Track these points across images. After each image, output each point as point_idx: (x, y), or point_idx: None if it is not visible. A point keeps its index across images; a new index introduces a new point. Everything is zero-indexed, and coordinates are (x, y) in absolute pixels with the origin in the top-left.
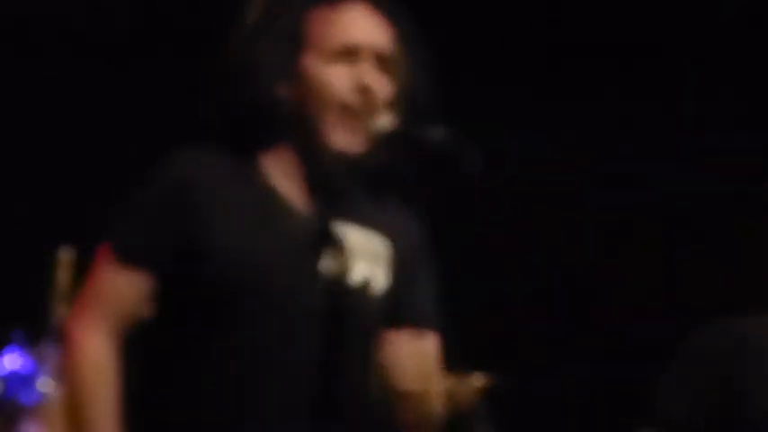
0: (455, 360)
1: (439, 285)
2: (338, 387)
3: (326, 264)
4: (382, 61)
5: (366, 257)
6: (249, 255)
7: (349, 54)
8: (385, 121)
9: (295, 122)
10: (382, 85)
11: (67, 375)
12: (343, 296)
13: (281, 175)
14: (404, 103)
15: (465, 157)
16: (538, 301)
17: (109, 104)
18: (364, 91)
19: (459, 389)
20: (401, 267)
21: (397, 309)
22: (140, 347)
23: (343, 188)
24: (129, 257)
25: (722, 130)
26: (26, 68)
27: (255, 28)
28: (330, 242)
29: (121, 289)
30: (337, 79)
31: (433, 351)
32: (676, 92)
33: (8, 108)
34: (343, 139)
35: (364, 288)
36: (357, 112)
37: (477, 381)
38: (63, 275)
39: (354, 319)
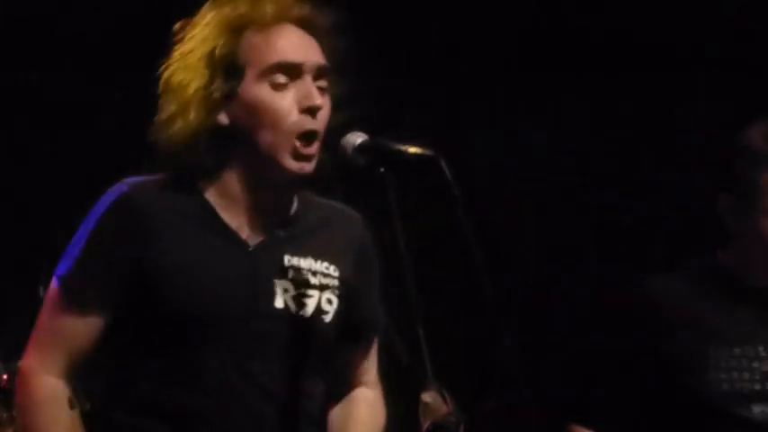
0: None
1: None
2: (289, 410)
3: (280, 298)
4: (320, 74)
5: (316, 287)
6: (200, 291)
7: (288, 72)
8: (356, 136)
9: (240, 149)
10: (325, 102)
11: (19, 413)
12: (296, 328)
13: (227, 206)
14: (340, 112)
15: (436, 166)
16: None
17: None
18: (311, 110)
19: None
20: (349, 287)
21: (346, 325)
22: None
23: (295, 217)
24: (77, 300)
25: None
26: None
27: (188, 53)
28: (283, 276)
29: (70, 330)
30: (283, 105)
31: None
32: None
33: None
34: (296, 165)
35: (316, 317)
36: (308, 134)
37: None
38: None
39: (309, 347)
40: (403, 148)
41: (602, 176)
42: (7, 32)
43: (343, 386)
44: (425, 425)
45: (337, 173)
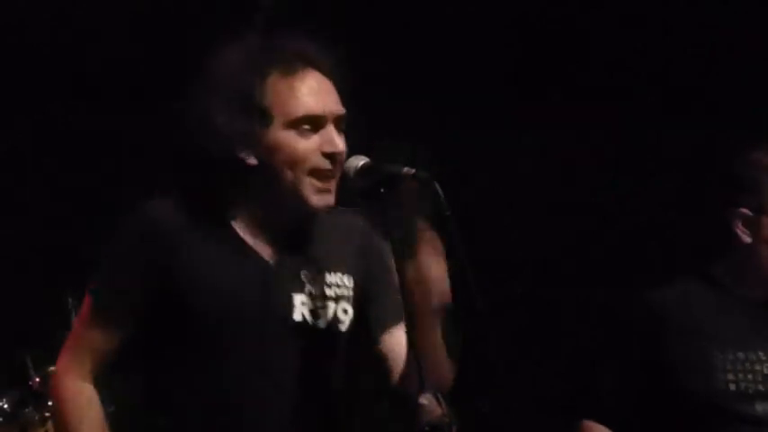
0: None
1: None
2: (309, 414)
3: (298, 311)
4: (339, 121)
5: (331, 298)
6: (221, 307)
7: (313, 123)
8: (357, 159)
9: (264, 184)
10: (343, 144)
11: (53, 413)
12: (313, 338)
13: (248, 227)
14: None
15: (437, 191)
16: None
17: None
18: (332, 155)
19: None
20: (365, 292)
21: (368, 328)
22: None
23: (309, 234)
24: (103, 314)
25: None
26: None
27: (215, 92)
28: (300, 290)
29: (97, 339)
30: (307, 148)
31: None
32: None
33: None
34: (319, 199)
35: (332, 328)
36: (328, 173)
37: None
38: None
39: (325, 357)
40: (401, 169)
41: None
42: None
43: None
44: (422, 426)
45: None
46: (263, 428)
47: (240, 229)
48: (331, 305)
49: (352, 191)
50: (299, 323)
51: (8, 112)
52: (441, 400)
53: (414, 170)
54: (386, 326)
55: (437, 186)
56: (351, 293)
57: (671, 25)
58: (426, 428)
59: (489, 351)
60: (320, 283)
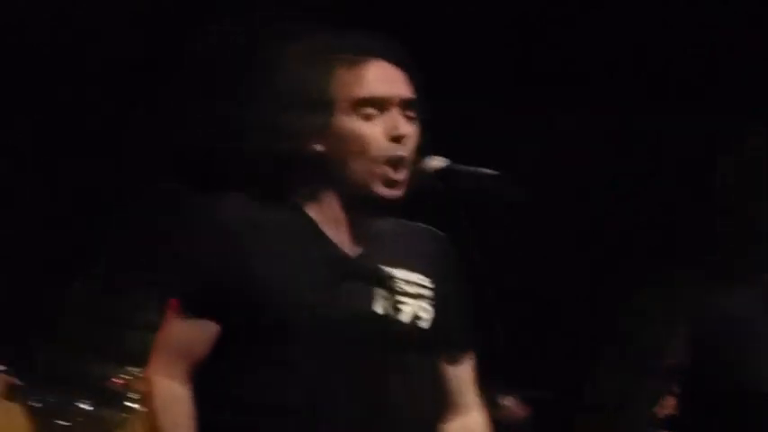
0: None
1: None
2: (392, 417)
3: (379, 304)
4: (408, 106)
5: (412, 296)
6: (305, 297)
7: (377, 105)
8: (436, 160)
9: (334, 175)
10: (412, 130)
11: (147, 415)
12: (396, 333)
13: (326, 222)
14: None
15: (507, 188)
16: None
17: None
18: (398, 140)
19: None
20: (439, 300)
21: (436, 341)
22: (208, 375)
23: (389, 234)
24: (189, 311)
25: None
26: None
27: (283, 88)
28: (381, 284)
29: (184, 339)
30: (372, 134)
31: (470, 378)
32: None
33: None
34: (387, 190)
35: (414, 324)
36: (396, 160)
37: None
38: None
39: (407, 353)
40: (477, 170)
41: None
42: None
43: (446, 404)
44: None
45: (417, 195)
46: (344, 425)
47: (320, 222)
48: (411, 302)
49: (430, 191)
50: (380, 316)
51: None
52: (522, 401)
53: (491, 171)
54: (455, 351)
55: (518, 189)
56: (431, 294)
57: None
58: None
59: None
60: (401, 279)
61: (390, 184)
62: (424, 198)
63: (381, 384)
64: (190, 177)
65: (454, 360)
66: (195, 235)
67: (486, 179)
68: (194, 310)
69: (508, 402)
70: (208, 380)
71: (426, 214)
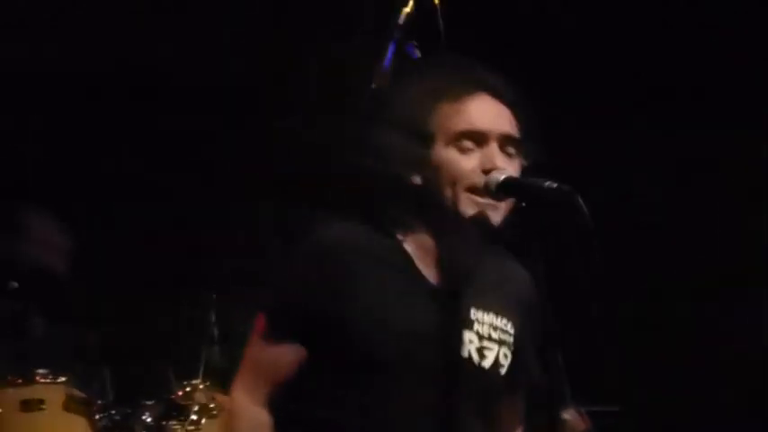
0: None
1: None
2: None
3: (466, 347)
4: (508, 143)
5: (496, 341)
6: (394, 330)
7: (475, 139)
8: (500, 173)
9: (430, 205)
10: (508, 165)
11: None
12: (477, 377)
13: (420, 254)
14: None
15: (579, 205)
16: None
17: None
18: (492, 171)
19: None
20: (519, 344)
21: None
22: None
23: (480, 271)
24: (278, 332)
25: None
26: None
27: (389, 122)
28: (470, 327)
29: (270, 360)
30: (467, 164)
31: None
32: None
33: None
34: (477, 212)
35: (494, 370)
36: (487, 190)
37: (569, 415)
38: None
39: (484, 397)
40: (542, 183)
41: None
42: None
43: None
44: None
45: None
46: None
47: (416, 256)
48: (495, 347)
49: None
50: (466, 360)
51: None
52: (584, 414)
53: (556, 184)
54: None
55: (580, 201)
56: (512, 340)
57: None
58: None
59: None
60: (488, 324)
61: (482, 207)
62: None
63: (455, 426)
64: (298, 201)
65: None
66: (294, 257)
67: (549, 192)
68: (281, 330)
69: (569, 416)
70: (290, 404)
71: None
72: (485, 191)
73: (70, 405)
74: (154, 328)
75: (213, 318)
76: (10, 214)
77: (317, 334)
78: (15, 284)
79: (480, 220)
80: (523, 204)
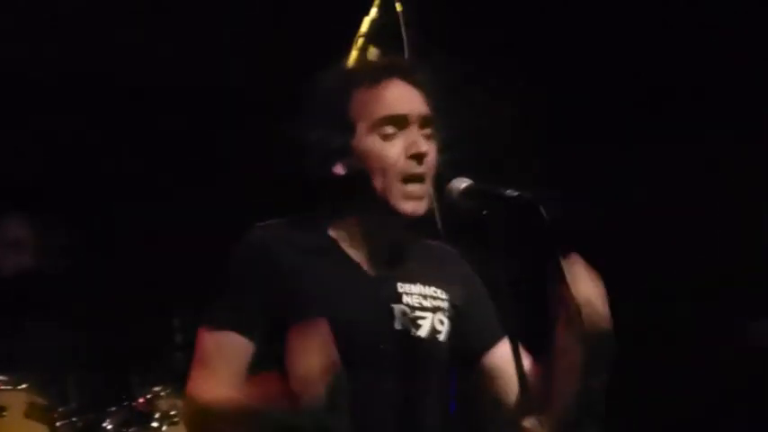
0: None
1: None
2: (417, 428)
3: (398, 321)
4: (426, 123)
5: (429, 309)
6: (334, 317)
7: (396, 123)
8: (461, 181)
9: (357, 194)
10: (431, 148)
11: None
12: (415, 347)
13: (348, 242)
14: (446, 155)
15: (541, 213)
16: None
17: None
18: (418, 156)
19: None
20: (459, 308)
21: (468, 343)
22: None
23: (405, 250)
24: (219, 324)
25: None
26: None
27: (307, 113)
28: (398, 300)
29: (226, 352)
30: (392, 152)
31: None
32: None
33: None
34: (409, 205)
35: (432, 338)
36: (416, 177)
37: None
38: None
39: (427, 366)
40: (504, 192)
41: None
42: None
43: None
44: None
45: (442, 214)
46: None
47: (343, 243)
48: (428, 315)
49: (454, 212)
50: (399, 332)
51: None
52: (543, 422)
53: (518, 192)
54: (487, 343)
55: (542, 209)
56: (446, 305)
57: None
58: None
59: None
60: (417, 293)
61: (412, 198)
62: (448, 217)
63: (405, 397)
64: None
65: (482, 351)
66: (232, 265)
67: (512, 200)
68: (219, 324)
69: (529, 424)
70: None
71: (456, 234)
72: (417, 178)
73: (32, 412)
74: (117, 334)
75: (177, 324)
76: None
77: (265, 327)
78: None
79: (410, 206)
80: (485, 212)
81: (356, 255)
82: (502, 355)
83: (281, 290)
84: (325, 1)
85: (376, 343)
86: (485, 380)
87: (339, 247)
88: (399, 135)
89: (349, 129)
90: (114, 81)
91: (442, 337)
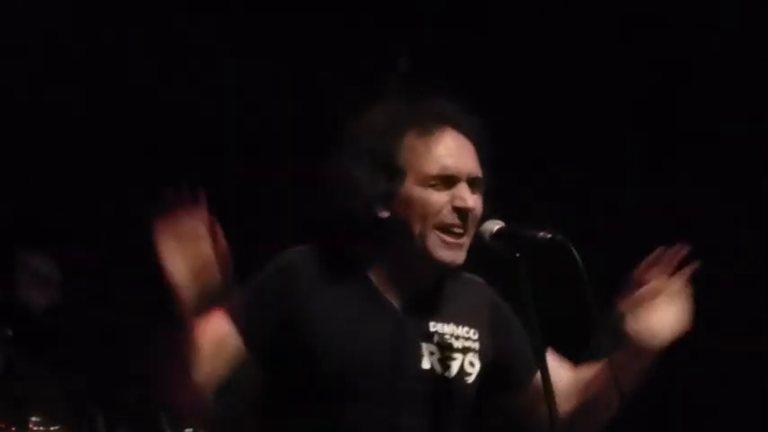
0: None
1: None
2: None
3: (426, 360)
4: (475, 183)
5: (459, 350)
6: (352, 351)
7: (446, 179)
8: (494, 223)
9: (398, 239)
10: (476, 203)
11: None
12: (442, 387)
13: (384, 283)
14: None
15: (574, 255)
16: None
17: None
18: (462, 211)
19: None
20: (493, 347)
21: (514, 373)
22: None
23: (440, 291)
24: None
25: None
26: None
27: (356, 154)
28: (428, 340)
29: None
30: (438, 202)
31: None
32: None
33: None
34: (447, 254)
35: (460, 378)
36: (457, 229)
37: None
38: None
39: (452, 406)
40: (535, 234)
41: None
42: None
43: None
44: None
45: (475, 257)
46: None
47: (375, 280)
48: (458, 356)
49: (486, 254)
50: (427, 371)
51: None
52: None
53: (550, 235)
54: (531, 368)
55: (574, 251)
56: (477, 346)
57: None
58: None
59: None
60: (449, 334)
61: (450, 247)
62: (481, 259)
63: None
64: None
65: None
66: (260, 275)
67: (543, 242)
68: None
69: None
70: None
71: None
72: (457, 230)
73: None
74: (145, 372)
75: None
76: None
77: (275, 351)
78: (10, 332)
79: (449, 255)
80: (517, 255)
81: (388, 294)
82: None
83: (304, 316)
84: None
85: (398, 381)
86: (532, 404)
87: (372, 284)
88: (447, 188)
89: (398, 176)
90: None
91: (470, 380)
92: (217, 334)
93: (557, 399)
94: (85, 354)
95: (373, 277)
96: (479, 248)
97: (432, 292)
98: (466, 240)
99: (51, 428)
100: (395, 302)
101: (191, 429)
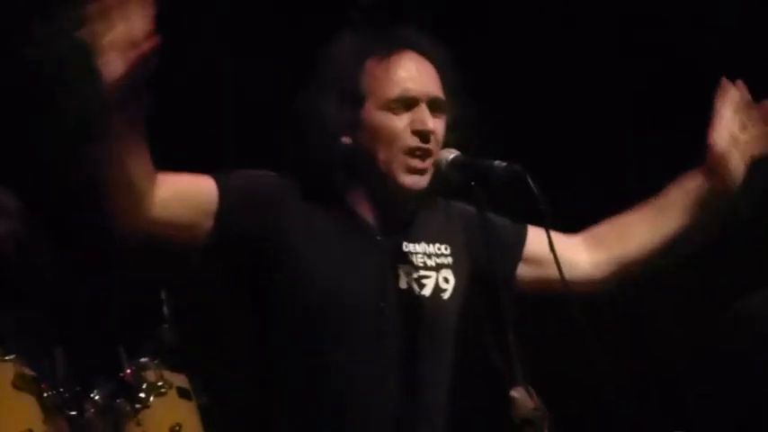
0: None
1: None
2: (421, 390)
3: (403, 281)
4: (435, 104)
5: (433, 268)
6: (334, 276)
7: (406, 102)
8: (449, 152)
9: (364, 167)
10: (438, 126)
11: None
12: (421, 306)
13: (359, 206)
14: (453, 135)
15: (530, 184)
16: None
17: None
18: (422, 133)
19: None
20: (467, 257)
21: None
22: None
23: (409, 214)
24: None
25: None
26: None
27: (316, 85)
28: (402, 260)
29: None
30: (397, 126)
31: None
32: None
33: None
34: (410, 179)
35: (436, 296)
36: (419, 152)
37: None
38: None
39: (430, 324)
40: (492, 163)
41: None
42: None
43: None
44: (514, 419)
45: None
46: (377, 404)
47: (351, 204)
48: (432, 274)
49: (442, 183)
50: (405, 290)
51: None
52: (532, 393)
53: (506, 163)
54: (513, 259)
55: (530, 180)
56: (450, 261)
57: None
58: (519, 422)
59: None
60: (421, 253)
61: (413, 172)
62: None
63: (406, 355)
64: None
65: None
66: (257, 171)
67: (499, 170)
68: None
69: (518, 394)
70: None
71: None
72: (420, 153)
73: (19, 382)
74: (103, 305)
75: (164, 296)
76: None
77: (248, 259)
78: None
79: (411, 180)
80: (473, 183)
81: (367, 218)
82: (534, 242)
83: (285, 232)
84: None
85: (378, 301)
86: (533, 275)
87: (349, 209)
88: (408, 112)
89: (359, 102)
90: None
91: (446, 295)
92: (195, 182)
93: (580, 271)
94: (45, 286)
95: (350, 202)
96: (436, 176)
97: (405, 215)
98: (428, 164)
99: (6, 358)
100: (373, 226)
101: (146, 359)
